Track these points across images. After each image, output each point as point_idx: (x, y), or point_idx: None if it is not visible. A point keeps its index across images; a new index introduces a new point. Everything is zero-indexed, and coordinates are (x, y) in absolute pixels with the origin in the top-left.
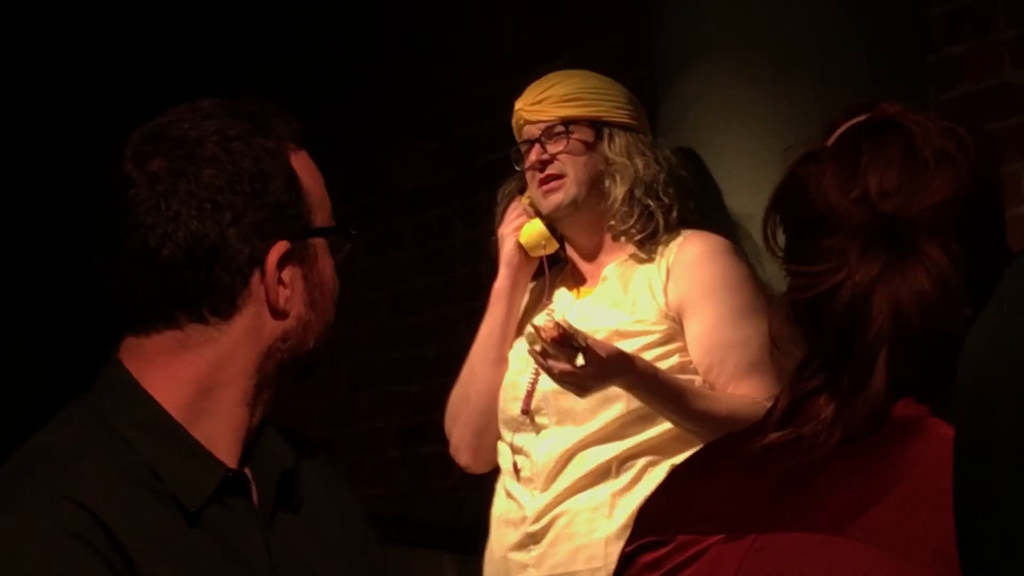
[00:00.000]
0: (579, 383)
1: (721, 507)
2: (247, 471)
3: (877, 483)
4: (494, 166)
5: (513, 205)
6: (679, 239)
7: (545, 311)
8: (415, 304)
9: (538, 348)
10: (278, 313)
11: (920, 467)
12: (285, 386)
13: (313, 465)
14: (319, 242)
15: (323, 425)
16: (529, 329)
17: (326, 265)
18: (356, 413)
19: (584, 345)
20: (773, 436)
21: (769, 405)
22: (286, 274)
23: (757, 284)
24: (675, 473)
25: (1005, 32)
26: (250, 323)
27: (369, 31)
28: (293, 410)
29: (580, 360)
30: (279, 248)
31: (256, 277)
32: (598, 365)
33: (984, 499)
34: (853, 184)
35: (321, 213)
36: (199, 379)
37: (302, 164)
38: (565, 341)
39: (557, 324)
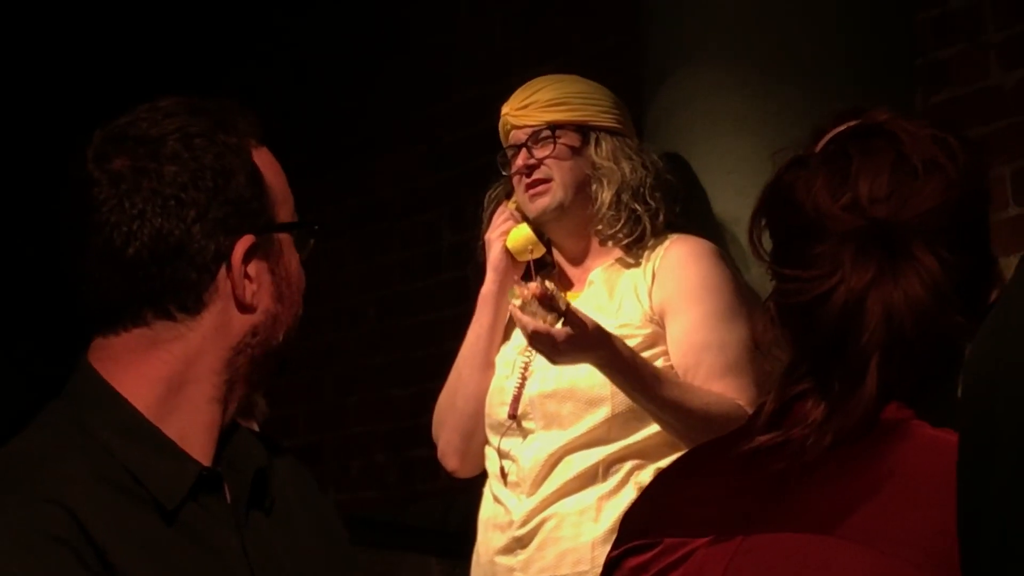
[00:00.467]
0: (553, 346)
1: (708, 510)
2: (220, 470)
3: (866, 484)
4: (482, 170)
5: (500, 210)
6: (665, 243)
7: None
8: (403, 308)
9: (518, 303)
10: (245, 308)
11: (908, 468)
12: (260, 383)
13: (284, 465)
14: (284, 237)
15: (311, 429)
16: (514, 287)
17: (292, 259)
18: (344, 417)
19: (564, 309)
20: (761, 439)
21: (745, 407)
22: (252, 269)
23: (740, 288)
24: (661, 477)
25: (992, 36)
26: (218, 319)
27: (358, 34)
28: (281, 414)
29: (559, 325)
30: (244, 243)
31: (222, 272)
32: (577, 329)
33: (986, 501)
34: (843, 190)
35: (285, 208)
36: (169, 377)
37: (264, 160)
38: (546, 301)
39: (542, 281)
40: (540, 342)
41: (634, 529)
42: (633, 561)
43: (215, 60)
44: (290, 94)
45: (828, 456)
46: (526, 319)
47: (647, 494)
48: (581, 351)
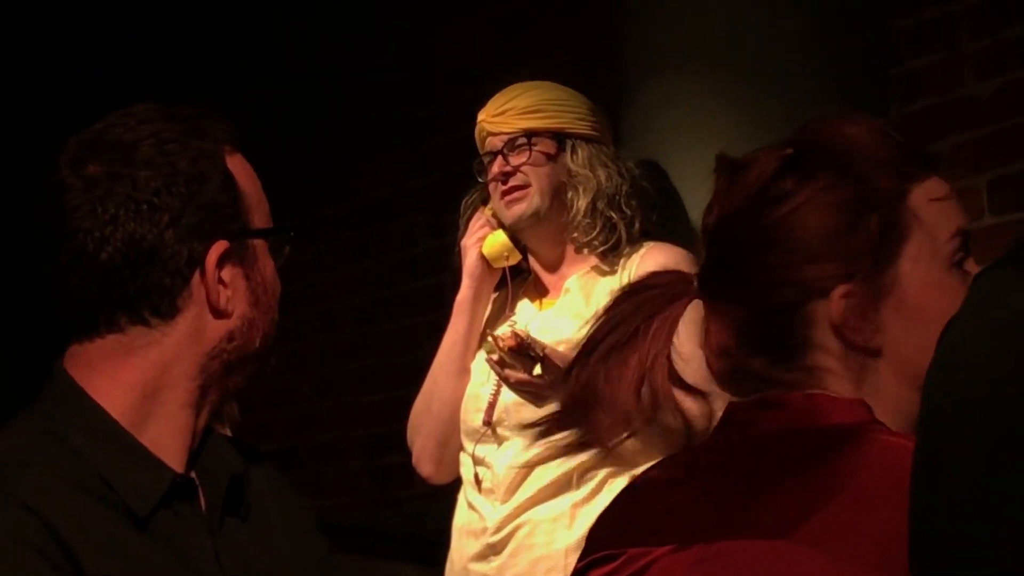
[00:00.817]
0: (535, 392)
1: (671, 519)
2: (194, 476)
3: (822, 489)
4: (459, 176)
5: (476, 216)
6: (641, 251)
7: (507, 322)
8: (379, 314)
9: (495, 357)
10: (220, 313)
11: (864, 473)
12: (235, 388)
13: (260, 472)
14: (259, 243)
15: (287, 434)
16: (488, 338)
17: (267, 265)
18: (320, 423)
19: (541, 355)
20: (717, 446)
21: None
22: (226, 274)
23: None
24: (629, 487)
25: (968, 45)
26: (192, 324)
27: (338, 39)
28: (257, 419)
29: (538, 370)
30: (218, 248)
31: (196, 278)
32: (556, 375)
33: (937, 514)
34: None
35: (259, 214)
36: (144, 383)
37: (238, 166)
38: (523, 350)
39: (515, 333)
40: (523, 391)
41: (600, 540)
42: (597, 573)
43: (196, 65)
44: (270, 98)
45: (784, 462)
46: (507, 373)
47: (614, 505)
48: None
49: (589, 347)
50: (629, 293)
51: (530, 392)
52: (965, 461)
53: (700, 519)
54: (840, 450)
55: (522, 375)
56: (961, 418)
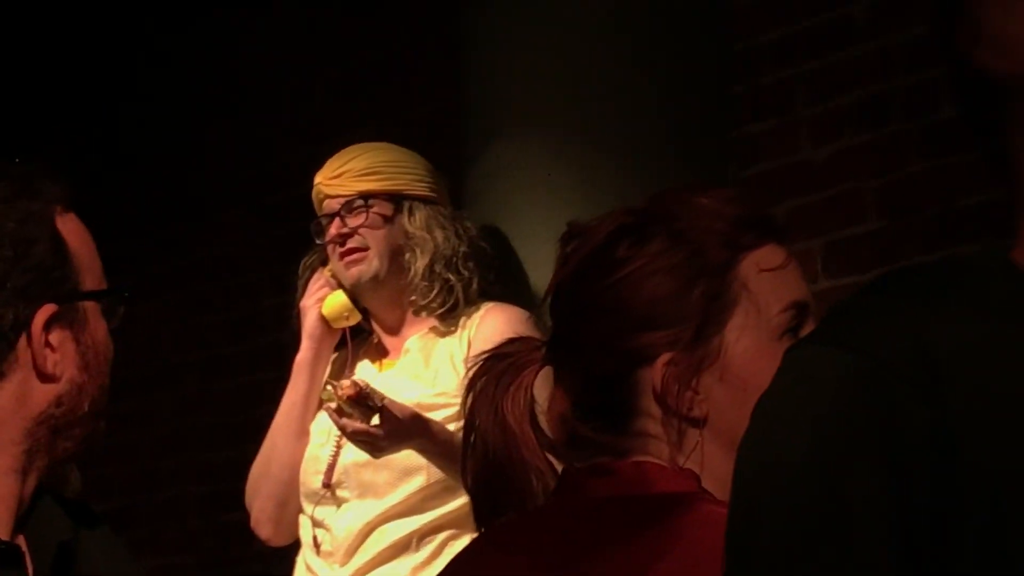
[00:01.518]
0: (373, 443)
1: None
2: (22, 542)
3: (646, 556)
4: (301, 233)
5: (315, 277)
6: (480, 311)
7: (348, 373)
8: (222, 371)
9: (333, 406)
10: (47, 377)
11: (686, 541)
12: (64, 454)
13: (95, 535)
14: (90, 305)
15: (125, 492)
16: (327, 386)
17: (98, 328)
18: (160, 480)
19: (380, 405)
20: (550, 511)
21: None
22: (54, 337)
23: None
24: (463, 553)
25: (804, 111)
26: (18, 388)
27: (182, 95)
28: (95, 476)
29: (376, 420)
30: (45, 311)
31: (23, 342)
32: (394, 425)
33: None
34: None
35: (91, 276)
36: None
37: (69, 227)
38: (361, 400)
39: (355, 382)
40: (360, 441)
41: None
42: None
43: (34, 119)
44: (112, 154)
45: (614, 529)
46: (344, 422)
47: (449, 569)
48: (400, 442)
49: (471, 422)
50: (487, 364)
51: (367, 442)
52: (770, 536)
53: None
54: (665, 519)
55: (359, 424)
56: (765, 490)
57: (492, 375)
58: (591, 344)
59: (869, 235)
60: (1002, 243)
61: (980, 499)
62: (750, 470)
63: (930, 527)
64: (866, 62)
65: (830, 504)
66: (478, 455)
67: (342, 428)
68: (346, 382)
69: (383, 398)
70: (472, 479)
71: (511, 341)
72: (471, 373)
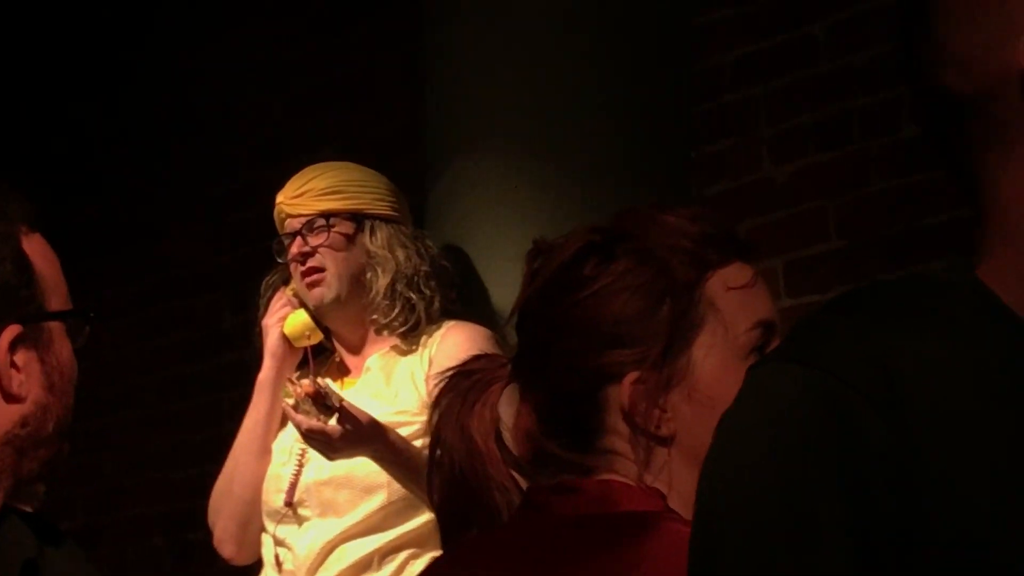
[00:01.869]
0: (328, 443)
1: None
2: None
3: (615, 574)
4: (263, 252)
5: (277, 296)
6: (441, 330)
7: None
8: (183, 390)
9: (291, 402)
10: (12, 398)
11: (651, 561)
12: (29, 474)
13: (60, 553)
14: (55, 326)
15: (88, 511)
16: (287, 384)
17: (63, 349)
18: (123, 499)
19: (338, 406)
20: (514, 530)
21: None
22: (19, 358)
23: None
24: (429, 568)
25: (764, 130)
26: None
27: (143, 115)
28: (57, 496)
29: (333, 421)
30: (11, 332)
31: None
32: (352, 425)
33: None
34: None
35: (56, 296)
36: None
37: (35, 247)
38: (319, 399)
39: (314, 381)
40: (315, 440)
41: None
42: None
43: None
44: (74, 174)
45: (580, 548)
46: (299, 418)
47: None
48: (356, 446)
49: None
50: (453, 381)
51: (321, 441)
52: (732, 554)
53: None
54: (630, 538)
55: (314, 423)
56: (726, 509)
57: (458, 392)
58: (558, 362)
59: (831, 254)
60: (966, 260)
61: (940, 516)
62: (712, 488)
63: (891, 543)
64: (827, 81)
65: (790, 522)
66: (444, 472)
67: (298, 425)
68: (306, 380)
69: (341, 400)
70: (438, 496)
71: (477, 358)
72: (437, 390)
